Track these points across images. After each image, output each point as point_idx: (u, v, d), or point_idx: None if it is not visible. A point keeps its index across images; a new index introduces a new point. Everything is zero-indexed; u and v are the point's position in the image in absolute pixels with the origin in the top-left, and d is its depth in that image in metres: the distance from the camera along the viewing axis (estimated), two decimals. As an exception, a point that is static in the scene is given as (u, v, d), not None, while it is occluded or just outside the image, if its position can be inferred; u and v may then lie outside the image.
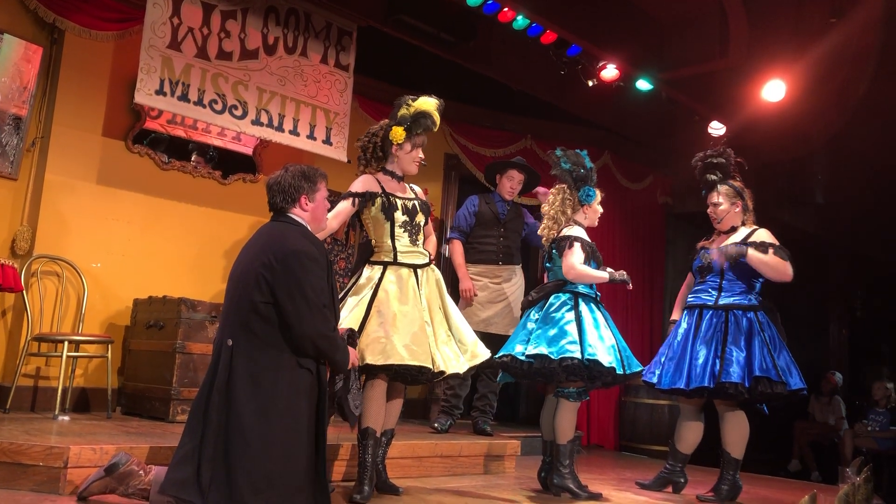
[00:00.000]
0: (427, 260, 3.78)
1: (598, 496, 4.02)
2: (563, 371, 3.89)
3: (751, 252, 4.17)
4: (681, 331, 4.35)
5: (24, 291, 4.74)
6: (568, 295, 4.08)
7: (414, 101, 3.78)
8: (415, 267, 3.70)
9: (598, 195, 4.27)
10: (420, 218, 3.79)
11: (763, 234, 4.31)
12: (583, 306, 4.04)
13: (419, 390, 6.78)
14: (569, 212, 4.22)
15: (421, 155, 3.83)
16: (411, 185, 3.93)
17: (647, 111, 7.14)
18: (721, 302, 4.26)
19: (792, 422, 8.81)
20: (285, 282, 2.98)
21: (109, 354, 4.83)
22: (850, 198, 8.89)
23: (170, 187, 5.63)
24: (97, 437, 3.65)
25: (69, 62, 5.20)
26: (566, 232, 4.14)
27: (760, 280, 4.30)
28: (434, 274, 3.79)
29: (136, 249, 5.45)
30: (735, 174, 4.48)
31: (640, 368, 4.05)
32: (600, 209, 4.31)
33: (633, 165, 8.04)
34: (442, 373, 3.55)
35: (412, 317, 3.53)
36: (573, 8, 6.25)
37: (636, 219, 8.09)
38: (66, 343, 4.61)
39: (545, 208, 4.29)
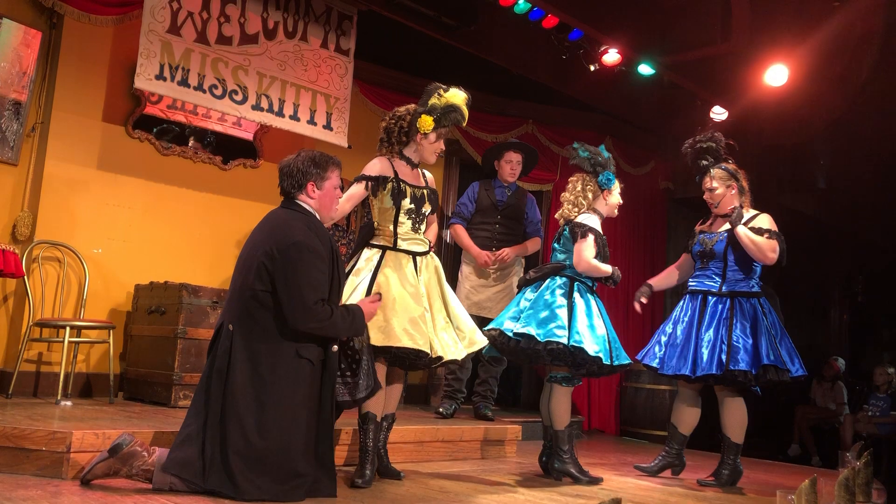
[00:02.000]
0: (426, 248, 3.77)
1: (599, 480, 4.04)
2: (547, 354, 3.91)
3: (741, 228, 4.18)
4: (685, 316, 4.33)
5: (26, 277, 4.74)
6: (564, 280, 4.09)
7: (445, 91, 3.76)
8: (414, 254, 3.70)
9: (618, 184, 4.27)
10: (427, 207, 3.78)
11: (764, 220, 4.29)
12: (577, 293, 4.05)
13: (420, 376, 6.80)
14: (590, 196, 4.20)
15: (442, 146, 3.82)
16: (424, 171, 3.92)
17: (649, 96, 7.12)
18: (725, 289, 4.25)
19: (793, 406, 8.83)
20: (283, 273, 2.99)
21: (111, 340, 4.84)
22: (852, 182, 8.87)
23: (170, 173, 5.62)
24: (99, 422, 3.66)
25: (68, 47, 5.18)
26: (583, 220, 4.13)
27: (759, 265, 4.29)
28: (433, 261, 3.79)
29: (137, 235, 5.45)
30: (727, 157, 4.46)
31: (627, 362, 4.04)
32: (619, 199, 4.29)
33: (634, 150, 8.01)
34: (440, 358, 3.56)
35: (411, 302, 3.54)
36: (574, -9, 6.22)
37: (637, 204, 8.06)
38: (67, 328, 4.62)
39: (565, 194, 4.28)
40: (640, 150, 8.07)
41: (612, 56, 6.44)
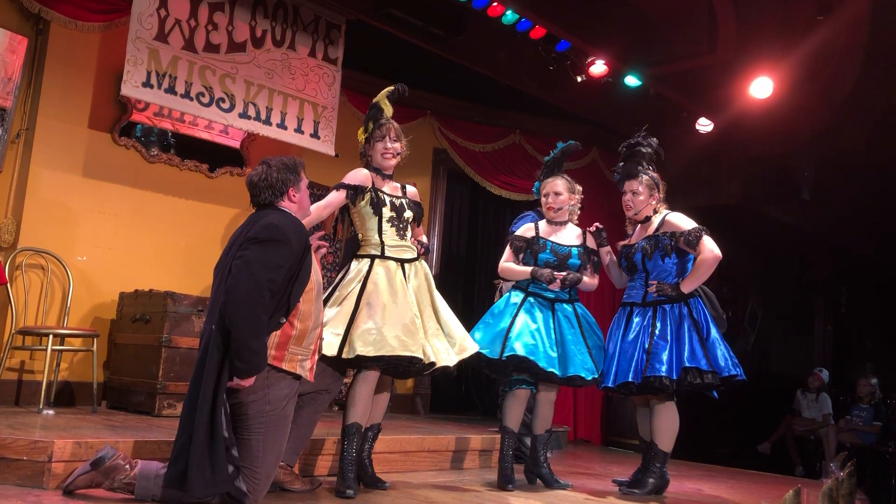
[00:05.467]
0: (414, 255, 3.78)
1: (568, 485, 4.18)
2: (485, 365, 4.04)
3: (683, 286, 4.05)
4: (615, 330, 4.25)
5: (9, 284, 4.70)
6: (517, 291, 4.18)
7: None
8: (402, 261, 3.71)
9: (543, 187, 4.28)
10: (408, 214, 3.79)
11: (675, 221, 4.16)
12: (527, 304, 4.10)
13: (407, 385, 6.79)
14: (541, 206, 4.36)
15: (387, 146, 3.79)
16: (407, 185, 3.95)
17: (636, 107, 7.14)
18: (649, 299, 4.15)
19: (781, 416, 8.89)
20: (247, 247, 2.95)
21: (95, 348, 4.80)
22: (836, 194, 8.94)
23: (156, 180, 5.60)
24: (82, 432, 3.62)
25: (55, 53, 5.16)
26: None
27: (690, 265, 4.15)
28: (422, 268, 3.79)
29: (122, 243, 5.42)
30: (653, 165, 4.37)
31: (575, 374, 3.98)
32: (545, 201, 4.27)
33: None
34: (433, 364, 3.56)
35: (401, 309, 3.54)
36: (562, 3, 6.24)
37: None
38: (50, 337, 4.58)
39: None
40: (626, 161, 8.11)
41: (598, 67, 6.47)
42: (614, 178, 4.47)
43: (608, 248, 4.41)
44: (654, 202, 4.29)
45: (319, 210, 3.63)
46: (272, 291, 2.93)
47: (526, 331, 4.01)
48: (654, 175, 4.33)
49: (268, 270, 2.90)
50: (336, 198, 3.70)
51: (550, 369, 3.95)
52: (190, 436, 2.89)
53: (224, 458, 2.86)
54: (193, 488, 2.82)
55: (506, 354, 3.95)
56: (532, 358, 3.94)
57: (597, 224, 4.39)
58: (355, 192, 3.71)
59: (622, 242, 4.41)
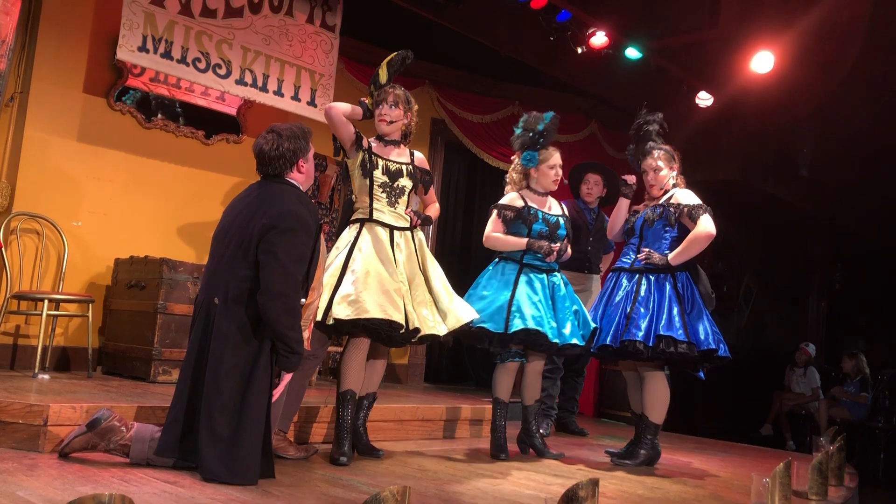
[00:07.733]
0: (406, 224, 3.76)
1: (561, 455, 4.20)
2: (486, 340, 4.02)
3: (671, 257, 4.07)
4: (603, 295, 4.29)
5: (3, 249, 4.69)
6: (510, 263, 4.15)
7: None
8: (392, 227, 3.70)
9: (544, 157, 4.19)
10: (404, 182, 3.77)
11: (681, 195, 4.19)
12: (524, 276, 4.09)
13: (401, 355, 6.81)
14: (515, 176, 4.26)
15: (382, 111, 3.77)
16: (414, 150, 3.93)
17: (636, 80, 7.09)
18: (637, 265, 4.17)
19: (771, 392, 8.97)
20: (272, 240, 2.94)
21: (90, 314, 4.80)
22: (835, 172, 8.93)
23: (152, 146, 5.56)
24: (77, 396, 3.63)
25: (49, 16, 5.10)
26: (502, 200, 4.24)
27: (672, 240, 4.18)
28: (416, 237, 3.78)
29: (117, 208, 5.39)
30: (662, 138, 4.43)
31: (567, 343, 3.99)
32: (553, 172, 4.20)
33: (620, 135, 7.98)
34: (417, 330, 3.56)
35: (385, 275, 3.53)
36: (564, -27, 6.17)
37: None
38: (45, 301, 4.57)
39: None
40: (625, 135, 8.04)
41: (599, 38, 6.41)
42: (628, 160, 4.50)
43: (629, 201, 4.42)
44: (674, 173, 4.31)
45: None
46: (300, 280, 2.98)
47: (529, 303, 3.98)
48: (667, 147, 4.36)
49: (298, 263, 2.96)
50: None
51: (555, 340, 3.95)
52: (185, 406, 2.91)
53: (223, 458, 2.86)
54: (215, 473, 2.81)
55: (513, 329, 3.90)
56: (541, 330, 3.92)
57: (633, 177, 4.38)
58: (347, 145, 3.74)
59: (634, 207, 4.44)
